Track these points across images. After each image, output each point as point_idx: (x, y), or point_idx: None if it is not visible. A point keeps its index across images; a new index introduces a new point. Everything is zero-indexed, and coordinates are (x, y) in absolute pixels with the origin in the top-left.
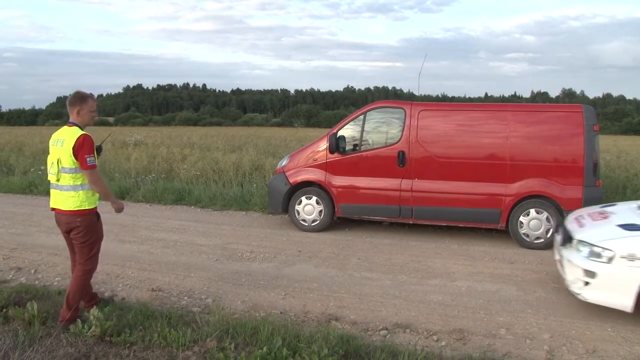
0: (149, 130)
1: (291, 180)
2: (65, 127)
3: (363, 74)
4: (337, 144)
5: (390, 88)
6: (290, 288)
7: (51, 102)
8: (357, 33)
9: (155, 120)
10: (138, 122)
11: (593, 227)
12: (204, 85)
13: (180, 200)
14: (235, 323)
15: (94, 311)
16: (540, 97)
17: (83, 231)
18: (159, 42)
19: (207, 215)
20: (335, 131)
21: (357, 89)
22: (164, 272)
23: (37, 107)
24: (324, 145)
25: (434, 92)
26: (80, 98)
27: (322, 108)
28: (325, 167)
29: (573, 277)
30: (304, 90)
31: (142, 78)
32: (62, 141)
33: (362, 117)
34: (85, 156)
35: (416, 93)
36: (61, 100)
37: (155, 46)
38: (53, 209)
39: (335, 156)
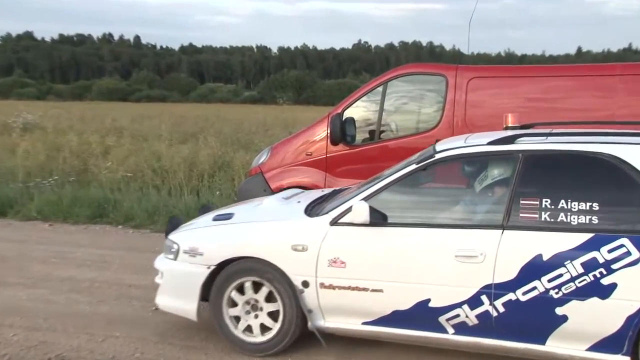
0: (47, 107)
1: (273, 185)
2: None
3: (382, 22)
4: (342, 131)
5: (424, 44)
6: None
7: None
8: None
9: (59, 92)
10: (29, 94)
11: (199, 219)
12: (137, 38)
13: (100, 216)
14: None
15: None
16: None
17: None
18: None
19: (143, 239)
20: (339, 111)
21: (373, 46)
22: (71, 331)
23: None
24: (322, 132)
25: (493, 48)
26: None
27: (319, 75)
28: (325, 165)
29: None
30: (293, 49)
31: (33, 22)
32: None
33: (380, 89)
34: None
35: (465, 51)
36: None
37: None
38: None
39: (340, 149)
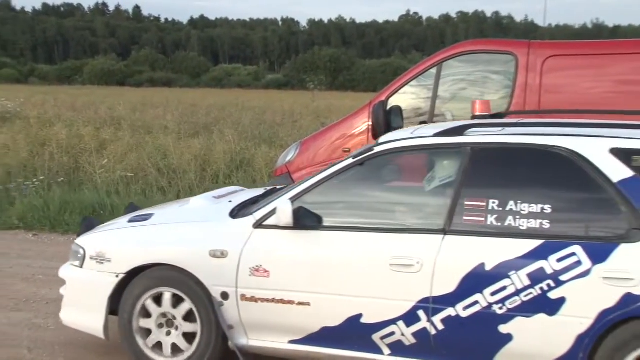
0: (30, 92)
1: None
2: None
3: None
4: (387, 122)
5: (488, 14)
6: None
7: None
8: None
9: (43, 73)
10: (7, 76)
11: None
12: (137, 8)
13: None
14: None
15: None
16: None
17: None
18: None
19: None
20: (384, 99)
21: (424, 18)
22: None
23: None
24: (363, 124)
25: (577, 18)
26: None
27: (358, 55)
28: None
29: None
30: (326, 22)
31: None
32: None
33: (433, 71)
34: None
35: (540, 23)
36: None
37: None
38: None
39: None
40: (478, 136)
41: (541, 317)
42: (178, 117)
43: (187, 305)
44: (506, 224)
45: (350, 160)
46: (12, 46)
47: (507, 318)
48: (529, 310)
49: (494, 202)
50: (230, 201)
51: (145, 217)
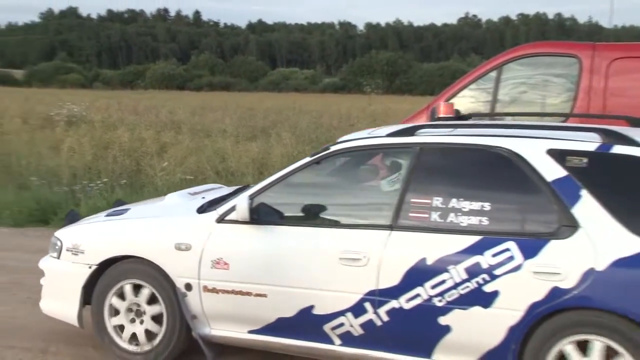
0: (94, 97)
1: None
2: None
3: None
4: None
5: (550, 16)
6: None
7: None
8: None
9: (107, 78)
10: (73, 81)
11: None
12: (197, 13)
13: None
14: None
15: None
16: None
17: None
18: None
19: None
20: (442, 102)
21: (483, 21)
22: None
23: None
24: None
25: None
26: None
27: (416, 58)
28: None
29: None
30: (383, 25)
31: None
32: None
33: (493, 75)
34: None
35: (605, 24)
36: None
37: None
38: None
39: None
40: (427, 136)
41: (477, 309)
42: (236, 120)
43: (147, 290)
44: (448, 220)
45: (307, 159)
46: (78, 52)
47: (445, 310)
48: (465, 303)
49: (437, 200)
50: (203, 197)
51: (121, 212)
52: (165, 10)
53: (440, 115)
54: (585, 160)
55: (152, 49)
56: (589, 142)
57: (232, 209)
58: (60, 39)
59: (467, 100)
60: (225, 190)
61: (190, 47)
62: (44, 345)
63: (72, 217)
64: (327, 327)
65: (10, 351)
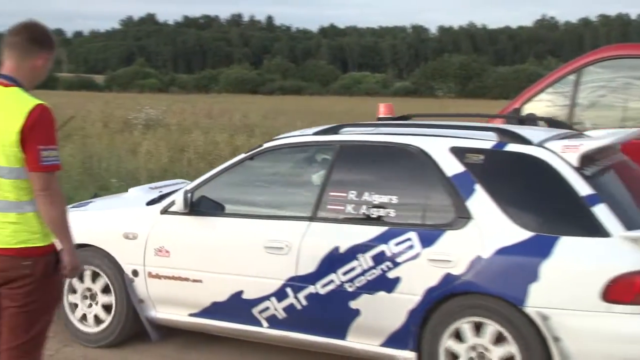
0: (171, 100)
1: None
2: None
3: None
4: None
5: (633, 16)
6: None
7: None
8: None
9: (182, 83)
10: (150, 86)
11: None
12: (270, 18)
13: None
14: None
15: None
16: None
17: (32, 286)
18: None
19: None
20: (518, 106)
21: (561, 23)
22: None
23: None
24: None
25: None
26: (45, 36)
27: (490, 61)
28: None
29: None
30: (456, 28)
31: (155, 3)
32: None
33: (571, 78)
34: (41, 147)
35: None
36: None
37: None
38: None
39: None
40: (348, 135)
41: (382, 294)
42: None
43: (103, 280)
44: (360, 212)
45: (243, 155)
46: (155, 57)
47: (355, 295)
48: (372, 288)
49: (352, 193)
50: (160, 192)
51: (85, 204)
52: (239, 16)
53: (380, 116)
54: (481, 157)
55: (226, 54)
56: (486, 141)
57: (174, 201)
58: (139, 44)
59: (543, 104)
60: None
61: (263, 51)
62: None
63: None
64: (255, 311)
65: None
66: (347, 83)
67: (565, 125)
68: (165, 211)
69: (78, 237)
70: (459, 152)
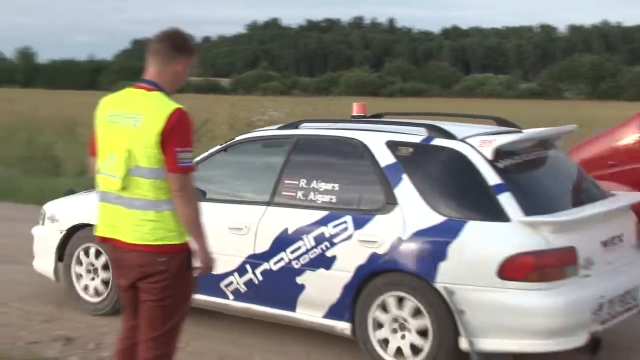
0: (293, 103)
1: None
2: (138, 91)
3: None
4: None
5: None
6: None
7: (122, 48)
8: None
9: (304, 85)
10: (273, 89)
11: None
12: (392, 21)
13: None
14: None
15: None
16: None
17: (167, 281)
18: None
19: None
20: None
21: None
22: None
23: (97, 58)
24: (632, 135)
25: None
26: (185, 43)
27: (624, 61)
28: (634, 178)
29: None
30: (586, 26)
31: (278, 7)
32: (137, 117)
33: None
34: (178, 149)
35: None
36: (139, 46)
37: None
38: (107, 240)
39: None
40: (305, 129)
41: (321, 271)
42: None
43: (104, 257)
44: (308, 198)
45: (218, 147)
46: (278, 60)
47: (300, 271)
48: (314, 265)
49: (303, 181)
50: None
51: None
52: (361, 19)
53: (353, 114)
54: (410, 149)
55: (347, 57)
56: (417, 135)
57: None
58: (263, 48)
59: None
60: None
61: (384, 53)
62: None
63: (68, 193)
64: (222, 285)
65: None
66: (469, 85)
67: (513, 125)
68: None
69: (82, 218)
70: (392, 145)
